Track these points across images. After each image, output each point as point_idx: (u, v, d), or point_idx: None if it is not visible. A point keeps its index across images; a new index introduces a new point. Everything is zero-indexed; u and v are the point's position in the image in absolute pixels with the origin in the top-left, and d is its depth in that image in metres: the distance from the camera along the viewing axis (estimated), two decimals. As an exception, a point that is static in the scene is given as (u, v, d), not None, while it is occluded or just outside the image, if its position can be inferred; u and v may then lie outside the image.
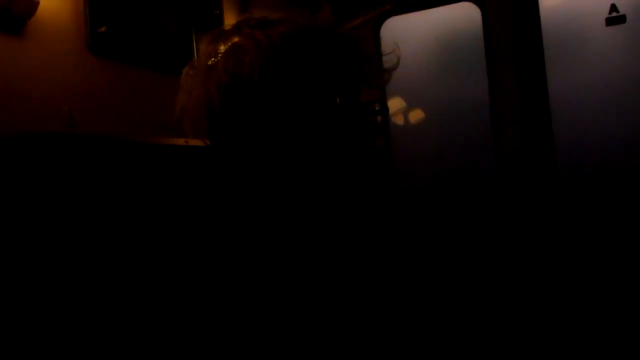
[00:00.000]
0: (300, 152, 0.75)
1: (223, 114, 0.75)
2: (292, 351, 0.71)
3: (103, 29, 1.65)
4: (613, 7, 2.23)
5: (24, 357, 1.16)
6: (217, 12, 2.03)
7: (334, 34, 0.78)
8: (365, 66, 0.80)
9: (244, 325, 0.71)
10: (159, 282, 0.76)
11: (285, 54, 0.73)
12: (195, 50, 1.97)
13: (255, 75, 0.72)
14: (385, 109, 0.80)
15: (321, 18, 0.80)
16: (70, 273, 1.32)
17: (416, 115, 2.62)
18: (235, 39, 0.76)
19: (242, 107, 0.74)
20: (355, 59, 0.79)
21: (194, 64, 0.79)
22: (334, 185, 0.78)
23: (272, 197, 0.78)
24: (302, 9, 0.82)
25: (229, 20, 2.15)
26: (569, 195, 2.28)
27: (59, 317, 1.25)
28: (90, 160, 1.51)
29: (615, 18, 2.22)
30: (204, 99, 0.76)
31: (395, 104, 2.59)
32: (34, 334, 1.19)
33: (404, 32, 2.57)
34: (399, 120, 2.62)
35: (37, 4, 1.48)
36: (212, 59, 0.76)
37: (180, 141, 1.75)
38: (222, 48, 0.76)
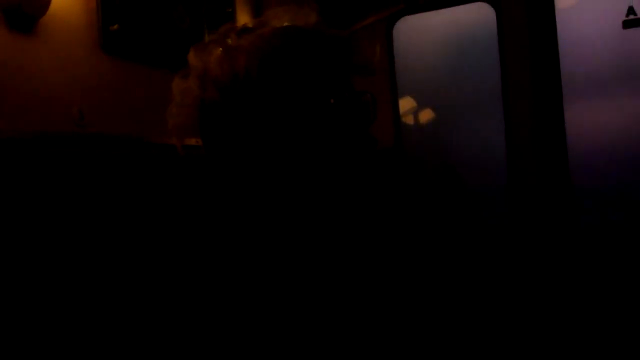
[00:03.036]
0: (297, 146, 0.76)
1: (212, 123, 0.77)
2: (293, 351, 0.71)
3: (115, 27, 1.63)
4: (630, 10, 2.19)
5: (24, 357, 1.15)
6: (230, 10, 2.01)
7: (318, 33, 0.79)
8: (354, 59, 0.80)
9: (243, 326, 0.70)
10: (164, 281, 0.77)
11: (268, 58, 0.75)
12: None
13: (240, 82, 0.74)
14: (373, 99, 0.81)
15: (307, 17, 0.82)
16: (76, 271, 1.32)
17: (429, 115, 2.59)
18: (222, 47, 0.77)
19: (229, 115, 0.76)
20: (343, 53, 0.79)
21: (185, 74, 0.81)
22: (329, 180, 0.79)
23: (271, 194, 0.78)
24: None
25: (242, 18, 2.13)
26: (581, 196, 2.25)
27: (68, 315, 1.26)
28: (100, 160, 1.51)
29: (632, 21, 2.19)
30: (195, 107, 0.78)
31: (407, 103, 2.57)
32: (36, 332, 1.19)
33: (417, 31, 2.54)
34: (411, 120, 2.60)
35: (49, 1, 1.46)
36: (201, 68, 0.78)
37: (192, 141, 1.74)
38: (210, 57, 0.77)
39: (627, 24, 2.20)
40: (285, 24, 0.81)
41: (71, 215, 1.38)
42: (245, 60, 0.75)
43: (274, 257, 0.74)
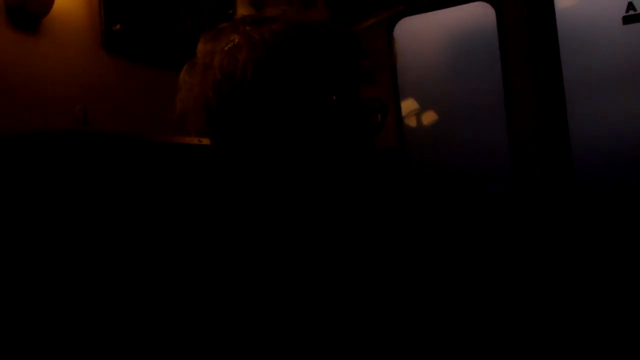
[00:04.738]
0: (293, 149, 0.76)
1: (220, 113, 0.77)
2: (293, 351, 0.70)
3: (118, 27, 1.65)
4: (630, 6, 2.19)
5: (24, 357, 1.15)
6: (231, 11, 2.02)
7: (328, 29, 0.79)
8: (360, 62, 0.80)
9: (245, 324, 0.70)
10: (170, 279, 0.77)
11: (277, 52, 0.75)
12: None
13: (248, 73, 0.74)
14: (384, 107, 0.80)
15: (315, 13, 0.82)
16: (79, 270, 1.31)
17: (430, 116, 2.60)
18: (231, 37, 0.78)
19: (236, 106, 0.76)
20: (350, 55, 0.79)
21: (193, 63, 0.81)
22: (328, 183, 0.79)
23: (267, 195, 0.79)
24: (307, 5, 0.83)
25: (242, 20, 2.13)
26: (586, 196, 2.24)
27: (71, 314, 1.25)
28: (103, 158, 1.51)
29: (632, 17, 2.19)
30: (202, 97, 0.78)
31: (409, 104, 2.58)
32: (38, 332, 1.19)
33: (418, 32, 2.55)
34: (412, 121, 2.60)
35: (53, 1, 1.47)
36: (209, 58, 0.78)
37: (194, 140, 1.74)
38: (219, 46, 0.78)
39: (627, 20, 2.20)
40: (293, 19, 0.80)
41: (75, 214, 1.38)
42: (253, 53, 0.75)
43: (274, 255, 0.74)
